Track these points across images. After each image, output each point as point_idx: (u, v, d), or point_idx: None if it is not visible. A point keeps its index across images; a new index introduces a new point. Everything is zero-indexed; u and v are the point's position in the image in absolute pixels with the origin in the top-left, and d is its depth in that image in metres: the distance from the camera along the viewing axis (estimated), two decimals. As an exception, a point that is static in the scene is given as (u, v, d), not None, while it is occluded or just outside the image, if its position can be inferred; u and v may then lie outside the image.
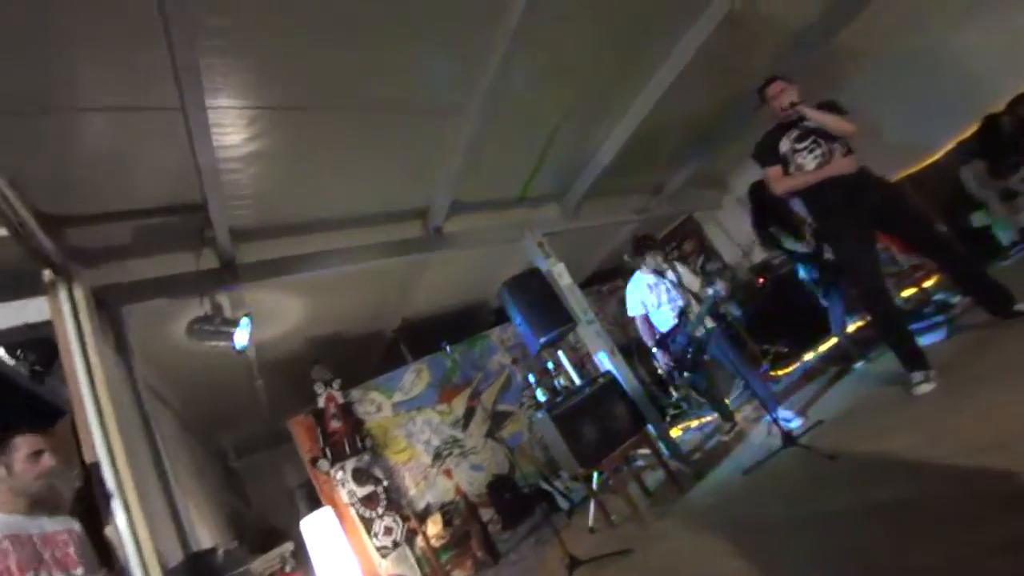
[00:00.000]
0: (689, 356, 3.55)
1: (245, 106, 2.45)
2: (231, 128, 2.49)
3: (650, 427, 3.82)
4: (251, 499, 6.50)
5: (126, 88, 2.15)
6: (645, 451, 3.80)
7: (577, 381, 4.38)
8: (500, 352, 6.10)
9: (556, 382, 4.19)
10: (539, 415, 3.53)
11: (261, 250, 3.35)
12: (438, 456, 5.18)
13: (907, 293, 4.13)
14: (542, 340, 4.06)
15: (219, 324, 2.91)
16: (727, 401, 4.45)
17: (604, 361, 4.33)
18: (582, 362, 5.71)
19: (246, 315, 3.09)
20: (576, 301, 4.47)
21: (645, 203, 5.99)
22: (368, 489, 4.52)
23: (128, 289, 2.80)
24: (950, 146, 4.77)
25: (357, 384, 5.05)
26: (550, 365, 4.28)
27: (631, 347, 5.62)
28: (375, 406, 5.09)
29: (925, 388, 2.45)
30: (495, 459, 5.37)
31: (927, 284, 4.07)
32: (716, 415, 4.21)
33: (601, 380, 3.73)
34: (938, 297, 3.56)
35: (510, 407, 5.82)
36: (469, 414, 5.58)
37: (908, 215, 2.77)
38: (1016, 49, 4.32)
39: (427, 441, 5.20)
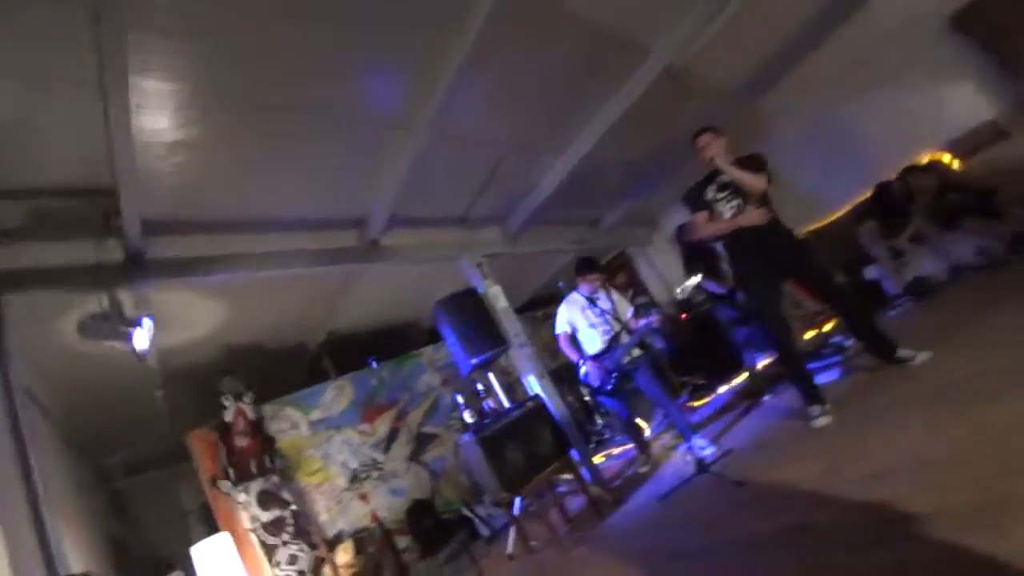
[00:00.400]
0: (613, 379, 3.66)
1: (177, 90, 2.28)
2: (157, 112, 2.31)
3: (574, 453, 3.86)
4: (140, 523, 5.77)
5: (36, 53, 1.93)
6: (568, 476, 3.82)
7: (506, 404, 4.35)
8: (430, 372, 5.96)
9: (485, 404, 4.15)
10: (465, 437, 3.46)
11: (176, 246, 3.08)
12: (355, 479, 4.90)
13: (809, 335, 4.53)
14: (474, 361, 4.01)
15: (116, 322, 2.61)
16: (646, 430, 4.60)
17: (533, 385, 4.35)
18: (512, 386, 5.70)
19: (148, 316, 2.81)
20: (511, 324, 4.48)
21: (583, 235, 6.21)
22: (274, 513, 4.16)
23: (10, 276, 2.46)
24: (849, 206, 5.38)
25: (273, 398, 4.71)
26: (480, 387, 4.23)
27: (561, 373, 5.70)
28: (290, 423, 4.75)
29: (822, 421, 2.69)
30: (417, 483, 5.17)
31: (826, 328, 4.49)
32: (633, 444, 4.33)
33: (530, 404, 3.73)
34: (835, 340, 3.93)
35: (436, 429, 5.66)
36: (392, 436, 5.36)
37: (810, 265, 3.06)
38: (905, 127, 5.00)
39: (344, 463, 4.92)
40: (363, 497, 4.83)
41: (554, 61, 3.36)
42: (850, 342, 3.64)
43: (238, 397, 4.36)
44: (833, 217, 5.56)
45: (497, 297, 4.54)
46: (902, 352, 2.75)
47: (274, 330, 4.93)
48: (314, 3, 2.25)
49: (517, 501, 3.41)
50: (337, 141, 3.15)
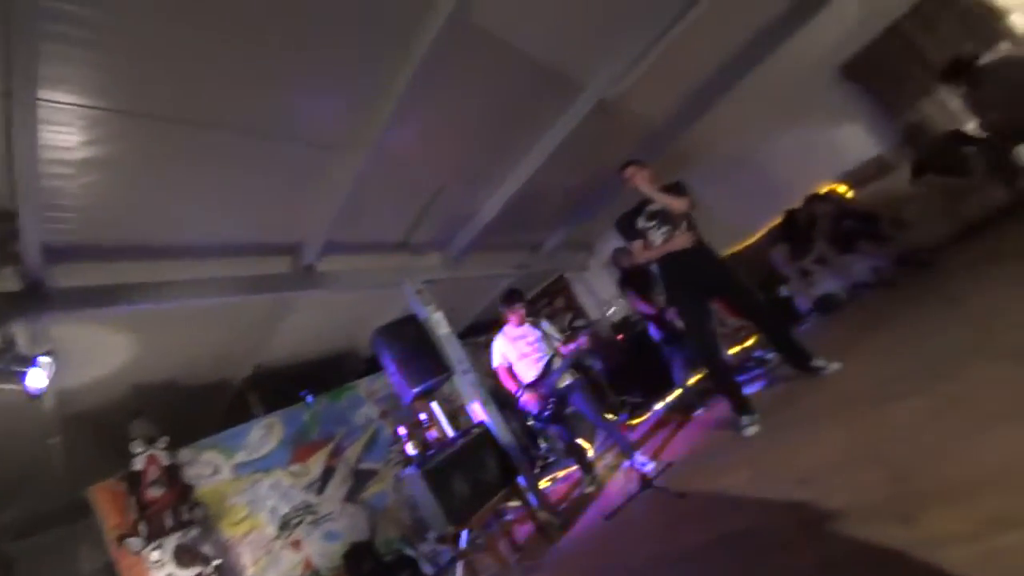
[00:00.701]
0: (551, 405, 3.70)
1: (91, 105, 2.10)
2: (66, 128, 2.11)
3: (520, 479, 3.83)
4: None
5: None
6: (515, 503, 3.77)
7: (450, 433, 4.25)
8: (368, 405, 5.71)
9: (429, 435, 4.03)
10: (409, 471, 3.33)
11: (81, 274, 2.80)
12: (285, 525, 4.54)
13: (734, 350, 4.83)
14: (416, 390, 3.91)
15: (9, 361, 2.30)
16: (588, 451, 4.66)
17: (478, 411, 4.30)
18: (455, 414, 5.58)
19: (47, 352, 2.50)
20: (454, 351, 4.43)
21: (524, 259, 6.31)
22: (193, 571, 3.74)
23: None
24: (763, 231, 5.88)
25: (192, 442, 4.29)
26: (423, 417, 4.11)
27: (503, 398, 5.68)
28: (211, 468, 4.34)
29: (752, 430, 2.86)
30: (354, 525, 4.87)
31: (748, 343, 4.82)
32: (577, 466, 4.37)
33: (475, 431, 3.68)
34: (757, 354, 4.22)
35: (375, 465, 5.40)
36: (327, 475, 5.04)
37: (734, 285, 3.30)
38: (807, 160, 5.61)
39: (273, 509, 4.54)
40: (295, 545, 4.48)
41: (496, 92, 3.46)
42: (771, 355, 3.93)
43: (150, 442, 3.93)
44: (749, 241, 6.06)
45: (439, 323, 4.48)
46: (816, 363, 3.00)
47: (192, 366, 4.54)
48: (251, 21, 2.18)
49: (463, 534, 3.31)
50: (271, 162, 3.03)
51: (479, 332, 7.24)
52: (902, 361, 2.61)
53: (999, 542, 1.19)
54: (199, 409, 4.96)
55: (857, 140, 5.52)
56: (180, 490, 3.90)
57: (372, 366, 5.82)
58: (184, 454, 4.17)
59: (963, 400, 1.86)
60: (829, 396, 2.72)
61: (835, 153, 5.55)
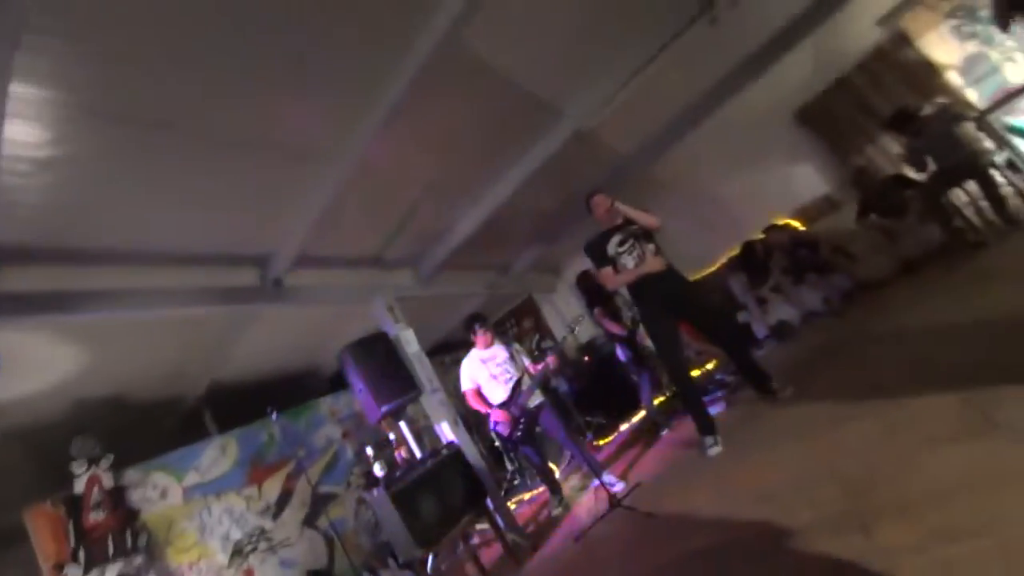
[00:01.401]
0: (522, 425, 3.71)
1: (62, 101, 2.03)
2: (33, 122, 2.02)
3: (488, 501, 3.79)
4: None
5: None
6: (483, 526, 3.72)
7: (418, 454, 4.18)
8: (329, 424, 5.52)
9: (397, 454, 3.94)
10: (375, 492, 3.25)
11: (29, 278, 2.62)
12: (238, 552, 4.28)
13: (695, 372, 5.00)
14: (384, 409, 3.85)
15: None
16: (556, 472, 4.67)
17: (446, 431, 4.25)
18: (419, 435, 5.49)
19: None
20: (423, 369, 4.39)
21: (494, 279, 6.36)
22: (134, 602, 3.48)
23: None
24: (723, 260, 6.17)
25: (139, 462, 4.03)
26: (391, 436, 4.03)
27: (469, 419, 5.63)
28: (159, 491, 4.07)
29: (715, 450, 2.96)
30: (312, 551, 4.65)
31: (710, 366, 5.00)
32: (545, 487, 4.37)
33: (444, 451, 3.63)
34: (719, 376, 4.38)
35: (335, 488, 5.20)
36: (284, 498, 4.81)
37: (703, 308, 3.45)
38: (763, 196, 6.00)
39: (225, 535, 4.28)
40: (248, 574, 4.23)
41: (478, 113, 3.53)
42: (731, 377, 4.09)
43: (93, 462, 3.67)
44: (709, 269, 6.34)
45: (409, 341, 4.44)
46: (774, 385, 3.15)
47: (144, 380, 4.29)
48: (236, 26, 2.15)
49: (429, 559, 3.23)
50: (244, 170, 2.94)
51: (447, 351, 7.19)
52: (853, 386, 2.79)
53: (943, 553, 1.29)
54: (148, 427, 4.67)
55: (809, 179, 5.96)
56: (124, 514, 3.63)
57: (335, 384, 5.67)
58: (130, 475, 3.90)
59: (908, 422, 2.01)
60: (787, 418, 2.85)
61: (789, 190, 5.96)
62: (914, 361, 2.62)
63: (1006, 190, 4.20)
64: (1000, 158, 4.33)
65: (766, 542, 1.81)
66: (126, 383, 4.18)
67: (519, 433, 3.74)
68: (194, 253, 3.33)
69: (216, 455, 4.54)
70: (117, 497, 3.70)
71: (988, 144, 4.27)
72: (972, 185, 4.20)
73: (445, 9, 2.50)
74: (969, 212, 4.36)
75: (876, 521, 1.56)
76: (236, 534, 4.32)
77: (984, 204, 4.21)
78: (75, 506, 3.48)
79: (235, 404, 4.95)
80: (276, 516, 4.65)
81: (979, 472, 1.50)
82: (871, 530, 1.54)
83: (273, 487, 4.76)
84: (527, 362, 3.95)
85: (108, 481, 3.70)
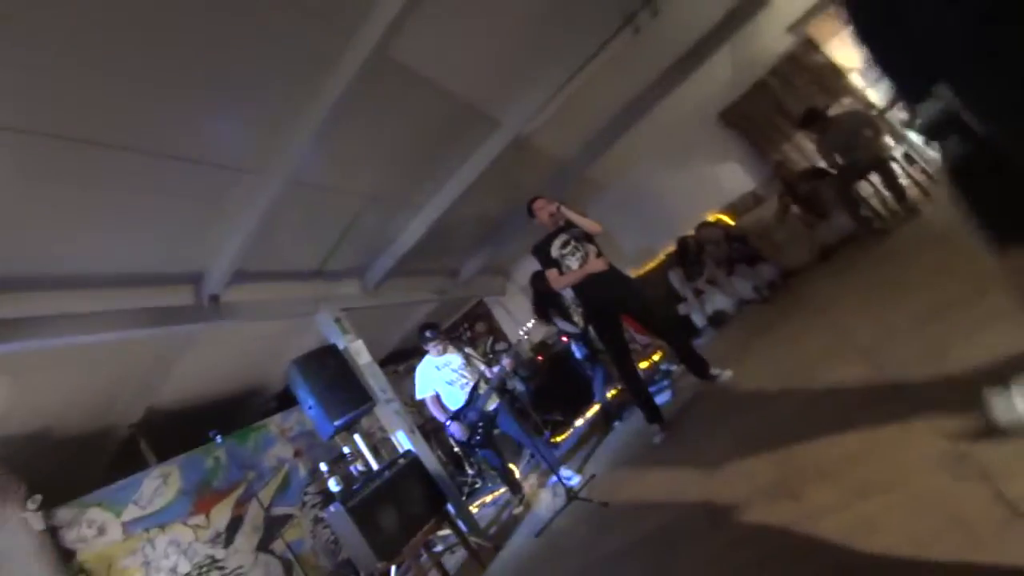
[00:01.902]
0: (481, 429, 3.76)
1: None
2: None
3: (450, 506, 3.80)
4: None
5: None
6: (445, 532, 3.73)
7: (374, 466, 4.12)
8: (280, 444, 5.32)
9: (353, 468, 3.87)
10: (332, 509, 3.19)
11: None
12: (188, 586, 4.07)
13: (643, 364, 5.22)
14: (338, 423, 3.77)
15: None
16: (516, 472, 4.74)
17: (403, 441, 4.22)
18: (376, 447, 5.40)
19: None
20: (375, 380, 4.33)
21: (443, 285, 6.35)
22: (71, 652, 3.24)
23: None
24: (662, 256, 6.48)
25: (71, 499, 3.74)
26: (346, 450, 3.96)
27: (426, 427, 5.60)
28: (96, 528, 3.79)
29: (660, 437, 3.15)
30: (268, 576, 4.49)
31: (656, 357, 5.24)
32: (506, 488, 4.43)
33: (401, 461, 3.61)
34: (664, 367, 4.60)
35: (290, 509, 5.02)
36: (235, 525, 4.60)
37: (644, 304, 3.62)
38: (694, 193, 6.38)
39: (173, 568, 4.06)
40: (199, 606, 4.03)
41: (414, 123, 3.55)
42: (675, 367, 4.31)
43: (19, 504, 3.39)
44: (650, 266, 6.64)
45: (360, 352, 4.37)
46: (713, 371, 3.37)
47: (72, 412, 4.00)
48: (160, 35, 2.07)
49: (392, 571, 3.21)
50: (173, 185, 2.81)
51: (399, 360, 7.11)
52: (780, 364, 3.03)
53: (863, 508, 1.45)
54: (80, 461, 4.35)
55: (735, 176, 6.38)
56: (58, 556, 3.38)
57: (283, 402, 5.48)
58: (62, 514, 3.61)
59: (827, 394, 2.22)
60: (724, 400, 3.07)
61: (717, 187, 6.37)
62: (831, 338, 2.86)
63: (904, 181, 4.69)
64: (898, 152, 4.82)
65: (710, 517, 1.95)
66: (53, 416, 3.88)
67: (478, 438, 3.78)
68: (124, 273, 3.16)
69: (157, 485, 4.28)
70: (49, 539, 3.43)
71: (888, 139, 4.74)
72: (875, 177, 4.65)
73: (372, 22, 2.51)
74: (874, 202, 4.82)
75: (803, 487, 1.72)
76: (185, 566, 4.10)
77: (886, 194, 4.67)
78: (-3, 555, 3.20)
79: (174, 431, 4.69)
80: (228, 543, 4.44)
81: (885, 433, 1.69)
82: (799, 495, 1.69)
83: (222, 514, 4.55)
84: (482, 366, 3.99)
85: (38, 523, 3.42)
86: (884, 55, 1.04)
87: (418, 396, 3.98)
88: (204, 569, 4.19)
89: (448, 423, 3.81)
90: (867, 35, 1.06)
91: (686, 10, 4.30)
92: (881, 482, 1.48)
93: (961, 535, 1.14)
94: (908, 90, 1.04)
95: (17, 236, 2.50)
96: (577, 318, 4.67)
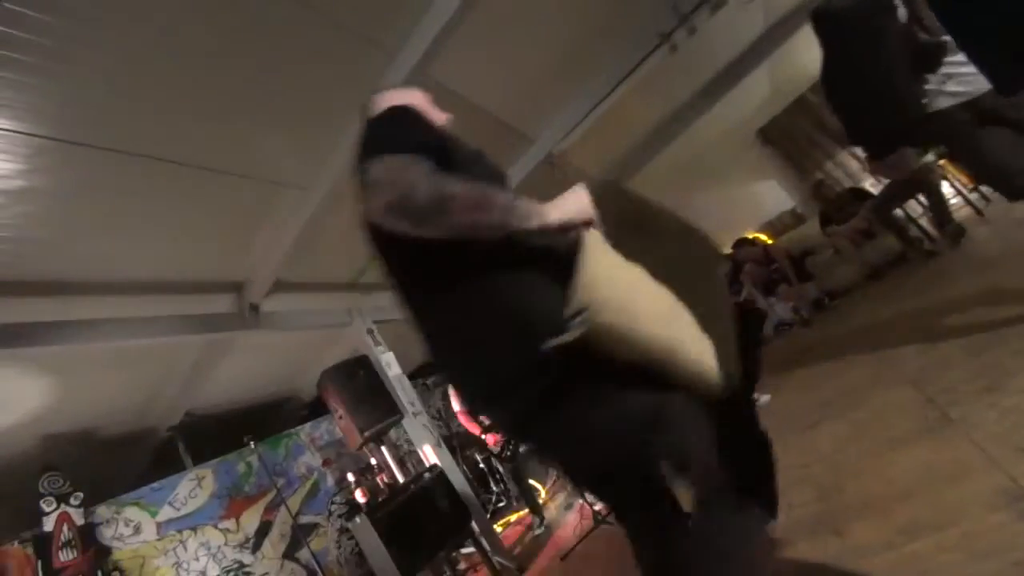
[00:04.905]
0: (511, 444, 3.72)
1: (33, 133, 2.03)
2: (4, 155, 2.02)
3: (473, 524, 3.75)
4: None
5: None
6: (469, 550, 3.68)
7: (400, 479, 4.13)
8: (309, 453, 5.41)
9: (379, 480, 3.89)
10: (357, 520, 3.20)
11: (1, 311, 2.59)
12: (215, 590, 4.14)
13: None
14: (367, 433, 3.80)
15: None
16: (542, 493, 4.66)
17: (430, 454, 4.21)
18: (402, 459, 5.41)
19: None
20: (405, 392, 4.36)
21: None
22: (104, 647, 3.33)
23: None
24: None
25: (110, 498, 3.89)
26: (373, 462, 3.98)
27: (452, 442, 5.58)
28: (132, 527, 3.93)
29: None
30: (293, 584, 4.52)
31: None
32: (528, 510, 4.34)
33: (427, 475, 3.60)
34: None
35: (316, 518, 5.08)
36: (263, 531, 4.68)
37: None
38: (731, 211, 6.25)
39: (203, 571, 4.15)
40: (225, 610, 4.09)
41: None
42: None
43: (62, 500, 3.54)
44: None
45: (391, 364, 4.42)
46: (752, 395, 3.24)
47: (114, 413, 4.18)
48: (210, 54, 2.19)
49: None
50: (220, 197, 2.95)
51: (427, 374, 7.14)
52: (817, 392, 2.89)
53: (911, 548, 1.36)
54: (120, 461, 4.52)
55: (774, 194, 6.23)
56: (95, 553, 3.49)
57: (314, 411, 5.57)
58: (101, 512, 3.76)
59: (873, 424, 2.10)
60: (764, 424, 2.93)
61: (755, 206, 6.23)
62: (876, 364, 2.73)
63: (951, 202, 4.46)
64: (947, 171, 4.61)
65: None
66: (97, 417, 4.06)
67: (509, 452, 3.75)
68: (169, 281, 3.30)
69: (192, 488, 4.41)
70: (88, 535, 3.57)
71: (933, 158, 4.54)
72: (922, 197, 4.45)
73: (411, 47, 2.60)
74: (923, 222, 4.60)
75: (847, 522, 1.62)
76: (214, 570, 4.18)
77: (933, 215, 4.45)
78: (44, 545, 3.34)
79: (211, 435, 4.83)
80: (255, 549, 4.51)
81: (938, 468, 1.58)
82: (843, 531, 1.59)
83: (252, 519, 4.64)
84: None
85: (78, 519, 3.57)
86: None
87: (455, 408, 3.99)
88: (232, 573, 4.26)
89: (482, 433, 3.80)
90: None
91: (724, 27, 4.26)
92: (932, 520, 1.38)
93: (1028, 583, 1.05)
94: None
95: (75, 244, 2.66)
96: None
